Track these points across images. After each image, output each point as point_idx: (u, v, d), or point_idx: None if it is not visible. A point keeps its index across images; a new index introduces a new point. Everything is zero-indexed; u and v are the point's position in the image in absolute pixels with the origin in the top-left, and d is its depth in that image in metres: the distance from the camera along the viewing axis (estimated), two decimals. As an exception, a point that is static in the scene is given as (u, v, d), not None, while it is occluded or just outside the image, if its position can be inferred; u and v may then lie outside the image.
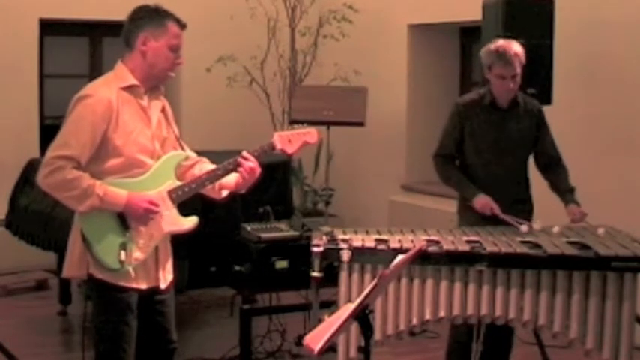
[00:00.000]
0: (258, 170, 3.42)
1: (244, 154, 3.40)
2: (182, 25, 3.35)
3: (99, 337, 3.35)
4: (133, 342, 3.34)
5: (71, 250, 3.32)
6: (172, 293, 3.50)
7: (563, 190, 4.32)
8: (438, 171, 4.41)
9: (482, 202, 4.19)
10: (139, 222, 3.27)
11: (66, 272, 3.38)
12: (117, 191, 3.22)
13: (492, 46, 4.19)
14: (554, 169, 4.40)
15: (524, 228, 3.97)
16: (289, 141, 3.48)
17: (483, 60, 4.23)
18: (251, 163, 3.39)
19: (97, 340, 3.36)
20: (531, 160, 4.45)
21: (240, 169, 3.39)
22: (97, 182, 3.19)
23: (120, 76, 3.31)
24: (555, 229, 3.97)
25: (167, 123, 3.45)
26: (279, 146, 3.47)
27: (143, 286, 3.33)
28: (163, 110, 3.45)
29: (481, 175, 4.31)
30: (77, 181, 3.15)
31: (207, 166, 3.51)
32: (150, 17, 3.30)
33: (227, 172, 3.42)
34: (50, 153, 3.19)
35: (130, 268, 3.26)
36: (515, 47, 4.17)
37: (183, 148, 3.47)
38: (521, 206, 4.35)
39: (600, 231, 3.92)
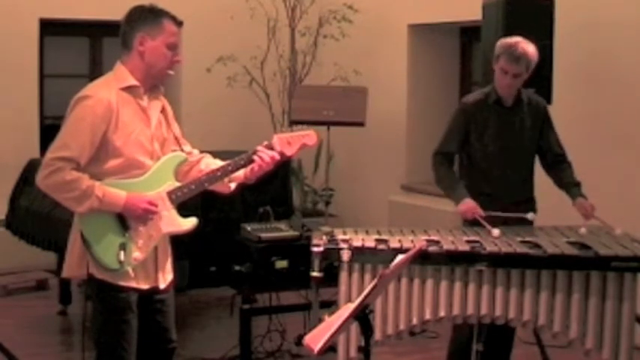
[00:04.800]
0: (272, 165, 3.42)
1: (265, 143, 3.43)
2: (178, 23, 3.34)
3: (99, 336, 3.35)
4: (134, 341, 3.34)
5: (71, 250, 3.32)
6: (172, 293, 3.50)
7: (570, 185, 4.31)
8: (434, 169, 4.37)
9: (467, 206, 4.13)
10: (138, 222, 3.27)
11: (66, 273, 3.38)
12: (116, 192, 3.22)
13: (509, 39, 4.18)
14: (559, 166, 4.40)
15: (495, 232, 3.90)
16: (288, 143, 3.48)
17: (495, 50, 4.22)
18: (272, 153, 3.40)
19: (97, 339, 3.36)
20: (536, 160, 4.45)
21: (257, 157, 3.38)
22: (96, 183, 3.19)
23: (119, 77, 3.31)
24: (582, 230, 3.97)
25: (167, 123, 3.45)
26: (278, 148, 3.46)
27: (143, 286, 3.33)
28: (163, 110, 3.45)
29: (487, 174, 4.30)
30: (76, 182, 3.15)
31: (211, 160, 3.52)
32: (145, 17, 3.30)
33: (226, 174, 3.42)
34: (49, 154, 3.19)
35: (130, 269, 3.27)
36: (529, 49, 4.14)
37: (181, 149, 3.47)
38: (525, 206, 4.35)
39: (618, 231, 3.93)
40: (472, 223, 4.14)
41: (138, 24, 3.29)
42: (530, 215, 4.13)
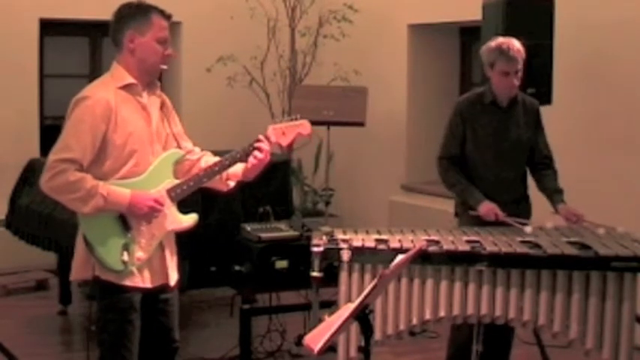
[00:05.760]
0: (268, 157, 3.42)
1: (261, 137, 3.42)
2: (167, 16, 3.34)
3: (103, 336, 3.35)
4: (137, 341, 3.35)
5: (76, 253, 3.33)
6: (176, 293, 3.50)
7: (554, 191, 4.30)
8: (442, 175, 4.37)
9: (487, 208, 4.15)
10: (142, 221, 3.27)
11: (73, 275, 3.38)
12: (120, 190, 3.22)
13: (493, 43, 4.18)
14: (545, 170, 4.40)
15: (528, 229, 3.95)
16: (283, 133, 3.49)
17: (485, 58, 4.21)
18: (266, 146, 3.39)
19: (100, 339, 3.37)
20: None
21: (256, 148, 3.38)
22: (100, 182, 3.19)
23: (117, 76, 3.31)
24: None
25: (168, 120, 3.45)
26: (273, 139, 3.46)
27: (149, 285, 3.34)
28: (163, 106, 3.45)
29: (482, 173, 4.30)
30: (80, 182, 3.15)
31: (211, 159, 3.52)
32: (133, 13, 3.30)
33: (224, 169, 3.42)
34: (52, 156, 3.19)
35: (134, 269, 3.27)
36: (517, 44, 4.17)
37: (179, 145, 3.47)
38: (520, 205, 4.35)
39: (620, 230, 3.94)
40: (485, 223, 4.13)
41: (126, 21, 3.29)
42: (528, 229, 4.06)
